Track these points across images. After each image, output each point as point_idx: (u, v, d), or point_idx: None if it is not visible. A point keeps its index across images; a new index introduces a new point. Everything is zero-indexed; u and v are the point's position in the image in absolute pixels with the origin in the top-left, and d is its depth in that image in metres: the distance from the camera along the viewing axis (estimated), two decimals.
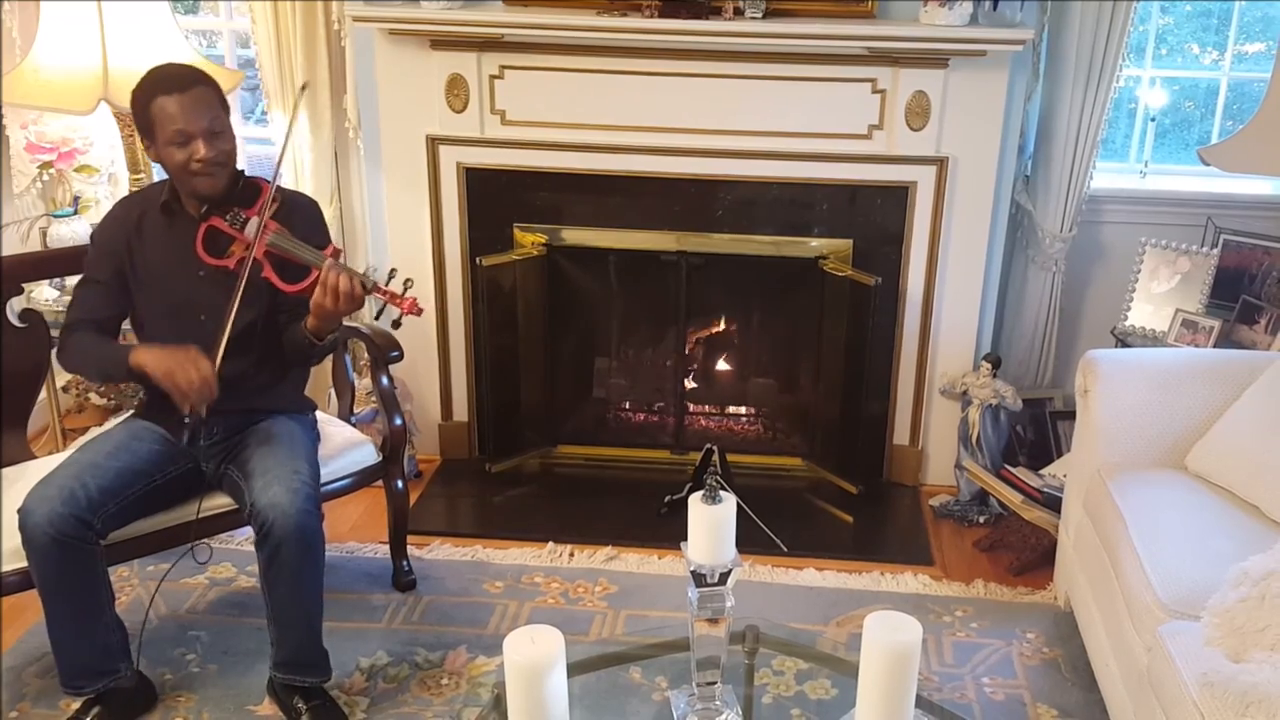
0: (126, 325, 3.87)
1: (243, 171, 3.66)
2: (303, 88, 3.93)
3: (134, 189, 4.84)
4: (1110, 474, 3.85)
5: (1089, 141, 4.84)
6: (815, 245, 4.95)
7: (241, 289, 3.46)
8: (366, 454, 4.16)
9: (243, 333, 3.53)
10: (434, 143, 4.90)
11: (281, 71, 5.00)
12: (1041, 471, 4.77)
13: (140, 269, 3.65)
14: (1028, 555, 4.63)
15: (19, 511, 3.31)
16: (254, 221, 3.51)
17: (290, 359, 3.77)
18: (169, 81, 3.47)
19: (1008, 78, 4.65)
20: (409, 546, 4.47)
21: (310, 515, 3.43)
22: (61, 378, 5.04)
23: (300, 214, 3.68)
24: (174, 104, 3.42)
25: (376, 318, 3.43)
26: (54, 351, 3.80)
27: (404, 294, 3.39)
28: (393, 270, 3.44)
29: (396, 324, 3.45)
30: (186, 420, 3.46)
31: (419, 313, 3.42)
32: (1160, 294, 4.85)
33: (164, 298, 3.66)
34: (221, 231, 3.54)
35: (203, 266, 3.56)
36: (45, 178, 5.27)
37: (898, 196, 4.83)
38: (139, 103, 3.48)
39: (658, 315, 5.37)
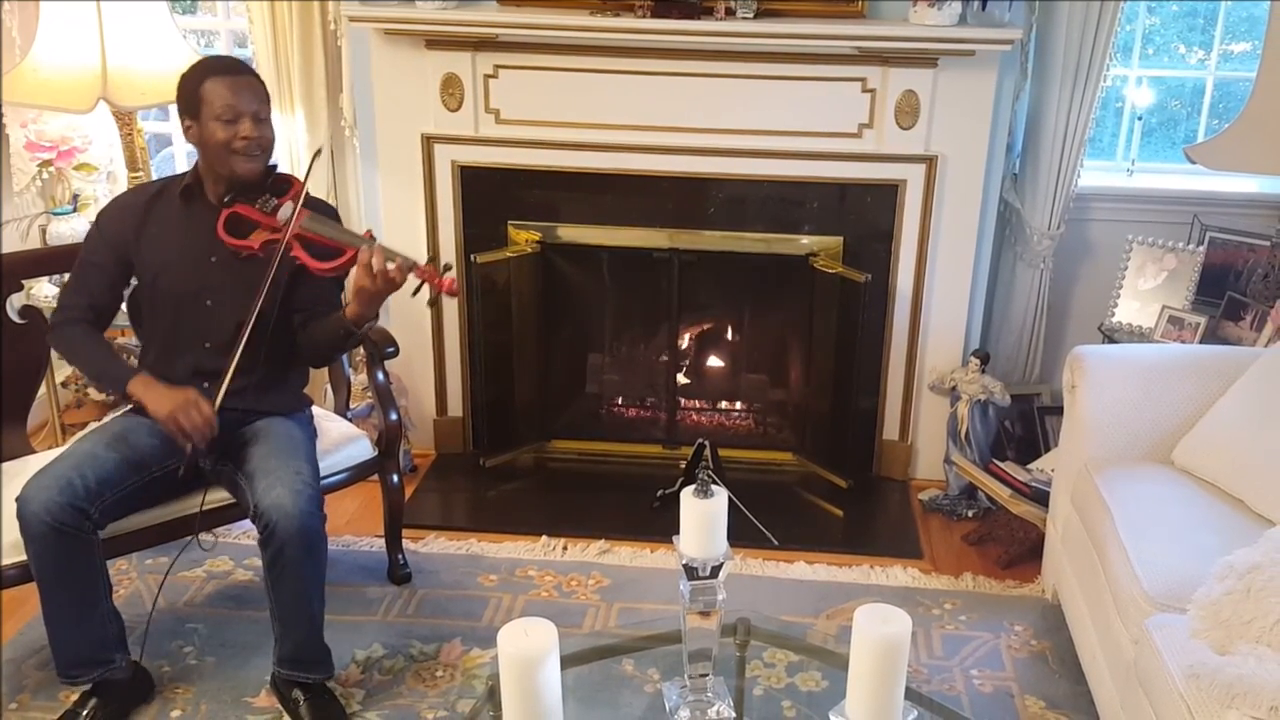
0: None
1: (275, 165, 3.74)
2: (317, 153, 4.00)
3: (132, 187, 4.86)
4: (1097, 468, 3.87)
5: (1076, 140, 4.86)
6: (806, 242, 4.98)
7: (271, 276, 3.51)
8: (362, 449, 4.19)
9: (252, 326, 3.55)
10: (429, 141, 4.93)
11: (279, 71, 5.02)
12: (1029, 466, 4.79)
13: (147, 253, 3.68)
14: (1016, 549, 4.66)
15: (17, 500, 3.34)
16: (288, 206, 3.58)
17: (317, 355, 3.84)
18: (223, 66, 3.62)
19: (996, 77, 4.67)
20: (404, 540, 4.50)
21: (313, 517, 3.45)
22: (60, 373, 5.07)
23: (322, 213, 3.73)
24: (226, 84, 3.54)
25: (414, 294, 3.45)
26: (49, 335, 3.82)
27: (443, 274, 3.44)
28: (432, 255, 3.49)
29: (433, 302, 3.50)
30: (187, 455, 3.50)
31: (455, 293, 3.46)
32: (1147, 291, 4.88)
33: (171, 283, 3.68)
34: (244, 218, 3.59)
35: (216, 253, 3.61)
36: (45, 176, 5.28)
37: (887, 194, 4.85)
38: (189, 83, 3.57)
39: (650, 311, 5.39)
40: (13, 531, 3.37)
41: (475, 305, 5.12)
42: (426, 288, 3.44)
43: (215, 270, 3.64)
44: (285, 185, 3.69)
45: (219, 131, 3.53)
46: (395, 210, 5.09)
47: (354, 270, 3.49)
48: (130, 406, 3.86)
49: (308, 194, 3.69)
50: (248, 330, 3.51)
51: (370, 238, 3.56)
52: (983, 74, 4.66)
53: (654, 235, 5.05)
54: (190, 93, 3.56)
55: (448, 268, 3.43)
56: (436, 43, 4.76)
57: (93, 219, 3.90)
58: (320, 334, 3.71)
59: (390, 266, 3.41)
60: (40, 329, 4.02)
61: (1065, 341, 5.28)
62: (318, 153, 4.05)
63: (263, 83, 3.65)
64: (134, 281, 3.82)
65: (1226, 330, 4.70)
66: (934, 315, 5.04)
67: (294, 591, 3.51)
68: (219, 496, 3.76)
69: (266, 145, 3.63)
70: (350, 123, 5.13)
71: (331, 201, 5.19)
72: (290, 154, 5.15)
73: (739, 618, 3.28)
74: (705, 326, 5.53)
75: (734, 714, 2.87)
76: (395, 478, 4.31)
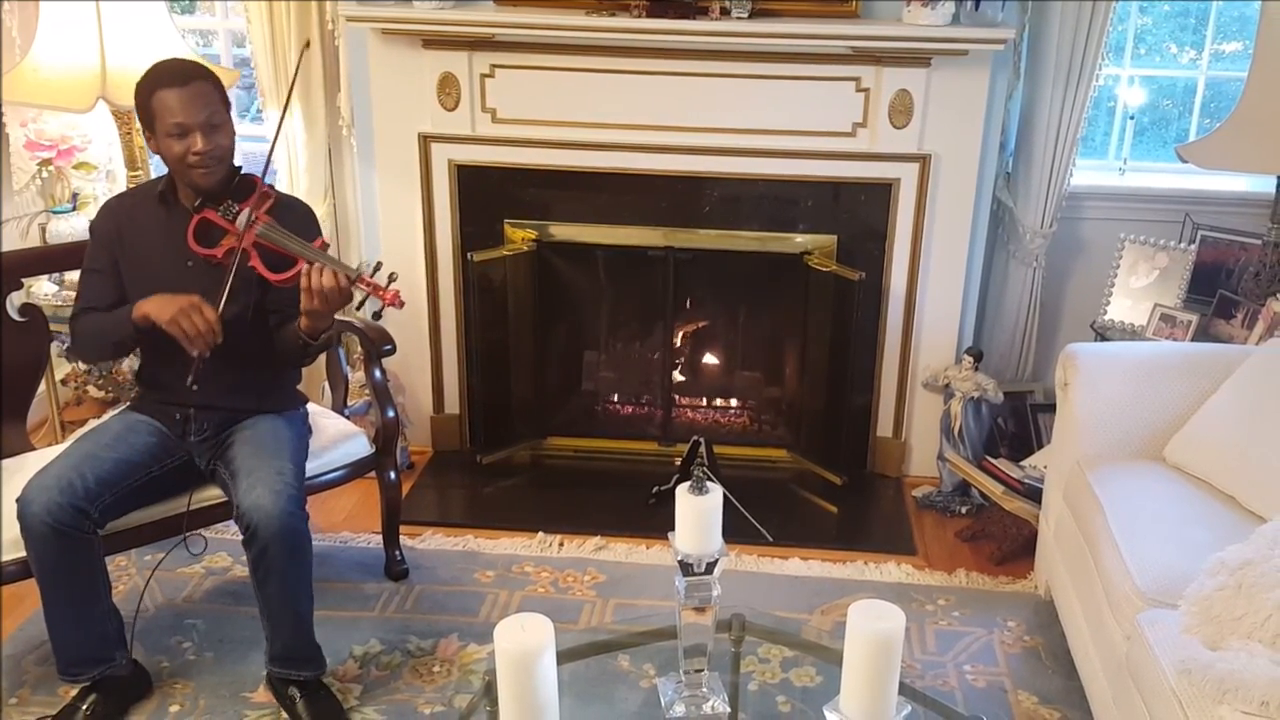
0: None
1: (240, 168, 3.71)
2: (305, 45, 3.97)
3: (131, 185, 4.88)
4: (1090, 465, 3.89)
5: (1069, 139, 4.89)
6: (800, 241, 5.01)
7: (231, 278, 3.50)
8: (359, 446, 4.21)
9: (228, 327, 3.53)
10: (426, 140, 4.94)
11: (276, 70, 5.04)
12: (1022, 463, 4.81)
13: (131, 257, 3.70)
14: (1009, 545, 4.68)
15: (17, 501, 3.36)
16: (245, 213, 3.55)
17: (284, 361, 3.81)
18: (170, 76, 3.53)
19: (989, 76, 4.70)
20: (401, 536, 4.52)
21: (294, 516, 3.46)
22: (60, 371, 5.08)
23: (292, 215, 3.70)
24: (174, 97, 3.48)
25: (358, 308, 3.46)
26: (64, 346, 3.83)
27: (387, 286, 3.41)
28: (378, 263, 3.45)
29: (377, 315, 3.49)
30: (192, 362, 3.48)
31: (400, 305, 3.41)
32: (1139, 289, 4.91)
33: (152, 287, 3.65)
34: (214, 224, 3.58)
35: (191, 257, 3.60)
36: (44, 175, 5.28)
37: (881, 193, 4.88)
38: (141, 95, 3.54)
39: (646, 309, 5.41)
40: (12, 529, 3.40)
41: (472, 303, 5.14)
42: (372, 300, 3.45)
43: (192, 275, 3.63)
44: (250, 188, 3.66)
45: (173, 146, 3.52)
46: (392, 209, 5.10)
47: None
48: (128, 405, 3.89)
49: (278, 195, 3.70)
50: (223, 300, 3.50)
51: (323, 247, 3.54)
52: (976, 73, 4.68)
53: (649, 234, 5.07)
54: (143, 106, 3.55)
55: (393, 278, 3.42)
56: (433, 42, 4.78)
57: (91, 221, 3.91)
58: (283, 342, 3.71)
59: (329, 283, 3.38)
60: (40, 327, 4.05)
61: (1058, 339, 5.31)
62: (306, 44, 3.97)
63: (217, 84, 3.60)
64: None
65: (1218, 328, 4.72)
66: (927, 313, 5.06)
67: (279, 591, 3.53)
68: (210, 495, 3.78)
69: (223, 154, 3.60)
70: (348, 122, 5.15)
71: (329, 201, 5.22)
72: (289, 154, 5.17)
73: (734, 613, 3.30)
74: (700, 324, 5.54)
75: (729, 709, 2.90)
76: (392, 474, 4.33)
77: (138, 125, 4.86)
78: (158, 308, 3.47)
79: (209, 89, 3.57)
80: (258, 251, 3.53)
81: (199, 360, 3.48)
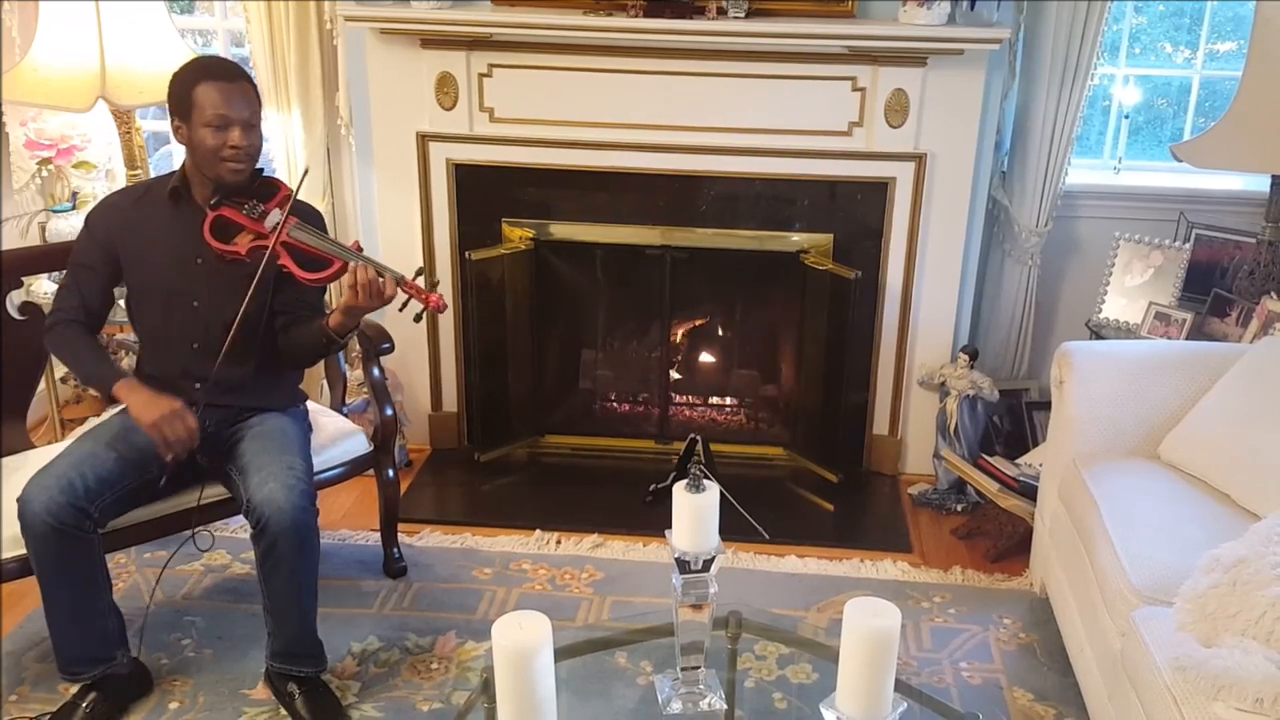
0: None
1: (261, 170, 3.73)
2: (305, 172, 4.03)
3: (131, 184, 4.89)
4: (1085, 463, 3.90)
5: (1064, 138, 4.90)
6: (797, 239, 5.02)
7: (259, 275, 3.50)
8: (358, 444, 4.22)
9: (239, 327, 3.53)
10: (424, 139, 4.95)
11: (275, 70, 5.04)
12: (1018, 460, 4.82)
13: (135, 253, 3.69)
14: (1004, 543, 4.69)
15: (18, 500, 3.36)
16: (275, 213, 3.57)
17: (296, 360, 3.84)
18: (218, 70, 3.56)
19: (985, 76, 4.71)
20: (400, 534, 4.53)
21: (305, 512, 3.47)
22: (60, 369, 5.09)
23: (309, 220, 3.71)
24: (219, 90, 3.50)
25: (400, 309, 3.49)
26: (44, 337, 3.83)
27: (430, 290, 3.48)
28: (420, 268, 3.53)
29: (418, 318, 3.51)
30: (166, 463, 3.53)
31: (443, 309, 3.50)
32: (1134, 287, 4.92)
33: (158, 283, 3.69)
34: (231, 221, 3.58)
35: (201, 254, 3.61)
36: (44, 174, 5.28)
37: (877, 192, 4.89)
38: (181, 84, 3.54)
39: (643, 308, 5.43)
40: (12, 526, 3.40)
41: (470, 302, 5.15)
42: (413, 303, 3.49)
43: (201, 272, 3.65)
44: (272, 190, 3.67)
45: (209, 138, 3.51)
46: (390, 208, 5.11)
47: (341, 282, 3.51)
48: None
49: (295, 200, 3.71)
50: (231, 335, 3.52)
51: (358, 249, 3.57)
52: (971, 73, 4.69)
53: (647, 232, 5.08)
54: (182, 95, 3.54)
55: (435, 284, 3.46)
56: (431, 42, 4.79)
57: (85, 218, 3.90)
58: (301, 339, 3.73)
59: (379, 282, 3.44)
60: (40, 325, 4.05)
61: (1053, 337, 5.32)
62: (305, 172, 4.06)
63: (255, 86, 3.63)
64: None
65: (1212, 326, 4.73)
66: (923, 311, 5.08)
67: (286, 586, 3.54)
68: (215, 492, 3.77)
69: (255, 152, 3.62)
70: (346, 121, 5.16)
71: (327, 200, 5.23)
72: (287, 153, 5.17)
73: (730, 611, 3.30)
74: (697, 323, 5.56)
75: (725, 706, 2.91)
76: (390, 472, 4.34)
77: (137, 124, 4.93)
78: (141, 408, 3.50)
79: (251, 90, 3.60)
80: (287, 251, 3.55)
81: (173, 463, 3.53)
